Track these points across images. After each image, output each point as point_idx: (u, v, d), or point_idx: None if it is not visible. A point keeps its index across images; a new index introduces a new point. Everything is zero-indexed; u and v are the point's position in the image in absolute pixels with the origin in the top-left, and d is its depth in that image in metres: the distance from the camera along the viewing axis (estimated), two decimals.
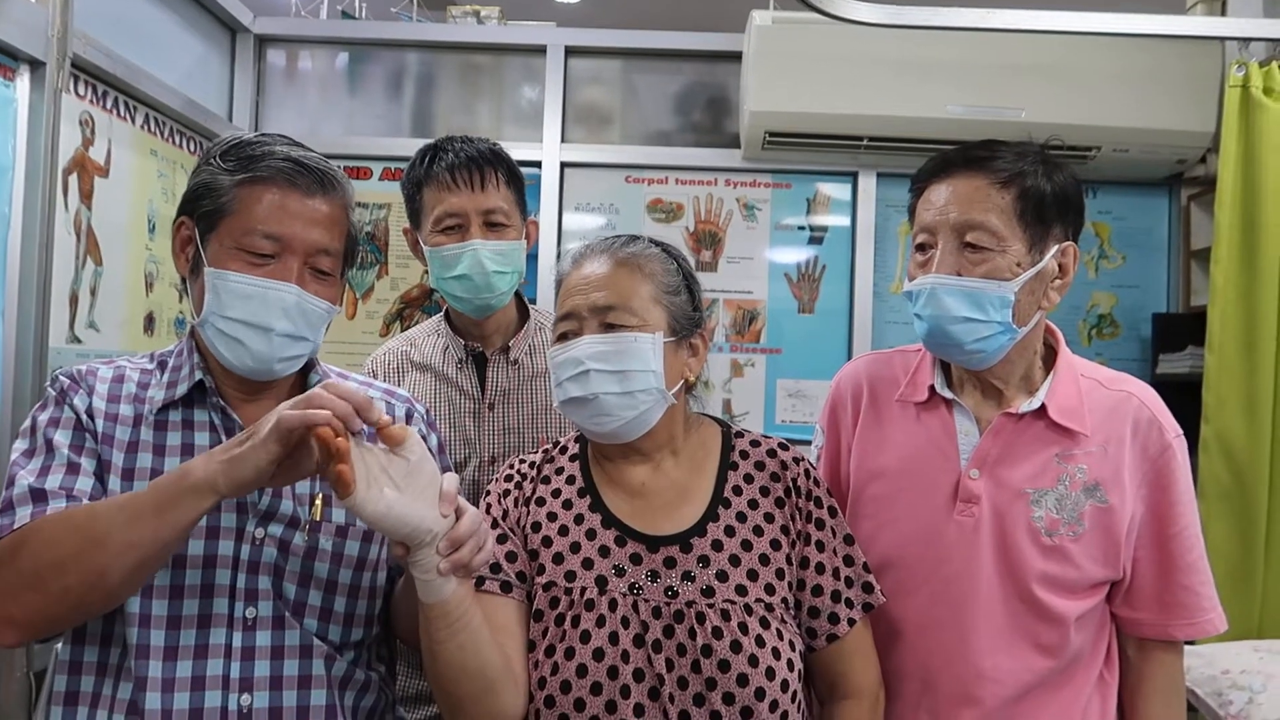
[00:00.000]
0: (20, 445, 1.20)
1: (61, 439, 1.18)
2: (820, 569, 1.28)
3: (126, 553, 1.05)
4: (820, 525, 1.30)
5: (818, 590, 1.28)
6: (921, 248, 1.36)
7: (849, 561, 1.31)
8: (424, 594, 1.10)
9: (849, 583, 1.29)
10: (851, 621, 1.28)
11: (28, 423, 1.22)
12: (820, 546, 1.29)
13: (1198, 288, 2.87)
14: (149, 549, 1.06)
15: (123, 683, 1.16)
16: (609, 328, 1.26)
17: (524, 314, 1.86)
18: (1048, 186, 1.33)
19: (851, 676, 1.30)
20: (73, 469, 1.17)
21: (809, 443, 1.57)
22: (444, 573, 1.07)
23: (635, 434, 1.28)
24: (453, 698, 1.16)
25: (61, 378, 1.24)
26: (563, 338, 1.29)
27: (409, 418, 1.38)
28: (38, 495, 1.13)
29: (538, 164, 2.99)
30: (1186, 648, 1.81)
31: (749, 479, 1.31)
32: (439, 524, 1.06)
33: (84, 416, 1.20)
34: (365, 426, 1.06)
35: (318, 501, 1.24)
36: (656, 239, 1.36)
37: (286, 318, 1.21)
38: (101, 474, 1.18)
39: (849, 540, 1.32)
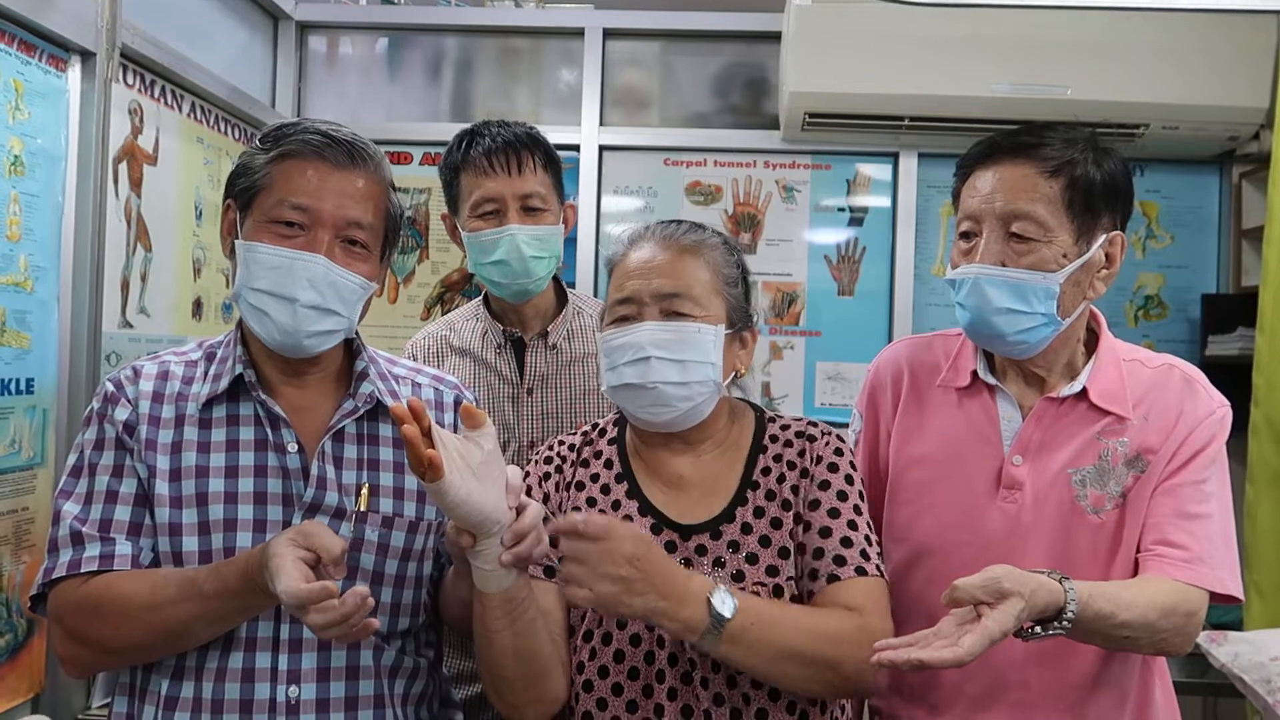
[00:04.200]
0: (70, 461, 1.25)
1: (103, 461, 1.22)
2: (834, 513, 1.24)
3: (190, 637, 1.16)
4: (825, 487, 1.26)
5: (826, 532, 1.23)
6: (966, 235, 1.34)
7: (858, 525, 1.25)
8: (484, 584, 1.11)
9: (859, 541, 1.24)
10: (859, 571, 1.21)
11: (78, 438, 1.27)
12: (834, 514, 1.25)
13: (1249, 267, 2.80)
14: (207, 634, 1.17)
15: (171, 678, 1.18)
16: (672, 315, 1.26)
17: (562, 299, 1.86)
18: (1097, 175, 1.30)
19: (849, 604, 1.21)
20: (111, 497, 1.21)
21: (846, 426, 1.57)
22: (506, 565, 1.08)
23: (687, 425, 1.29)
24: (504, 682, 1.18)
25: (108, 384, 1.26)
26: (620, 321, 1.28)
27: (457, 404, 1.39)
28: (76, 538, 1.19)
29: (576, 147, 2.99)
30: (1232, 634, 1.80)
31: (777, 459, 1.30)
32: (506, 515, 1.07)
33: (123, 435, 1.22)
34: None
35: (364, 492, 1.25)
36: (717, 229, 1.35)
37: (313, 289, 1.21)
38: (144, 486, 1.21)
39: (865, 514, 1.27)
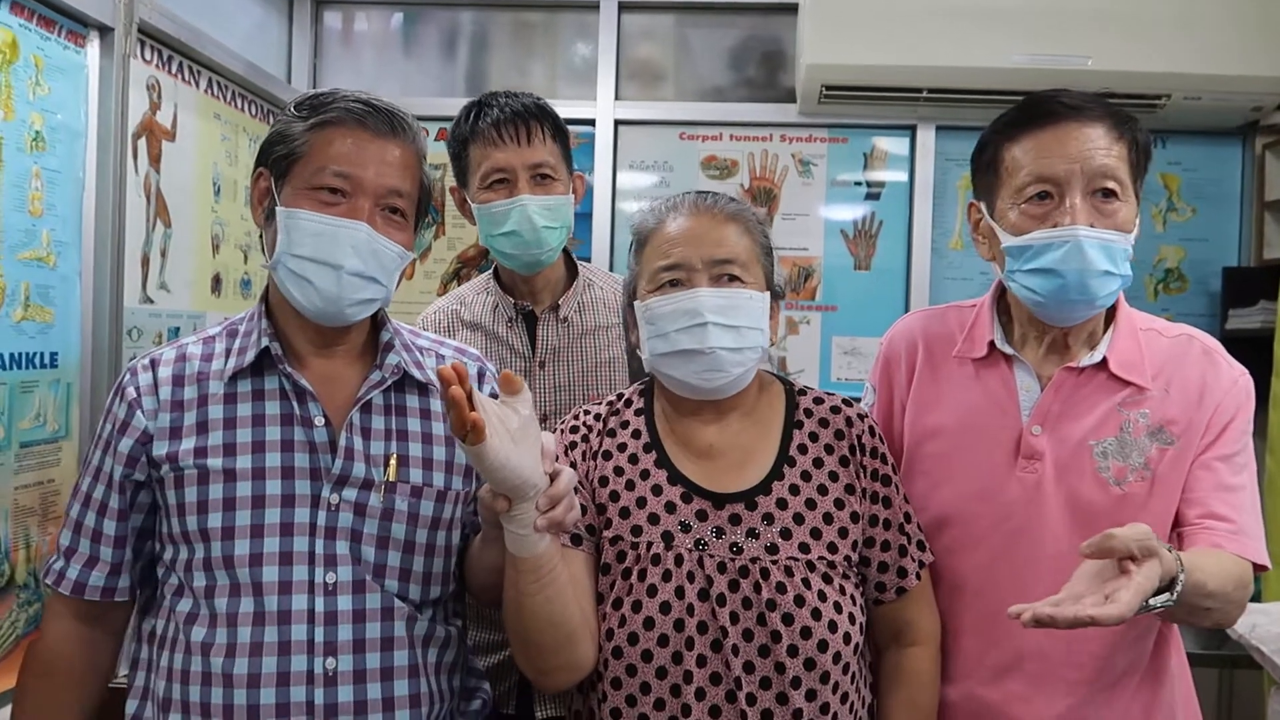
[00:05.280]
0: (89, 455, 1.30)
1: (96, 464, 1.27)
2: (887, 525, 1.30)
3: None
4: (886, 482, 1.32)
5: (886, 545, 1.30)
6: (1043, 196, 1.29)
7: (908, 517, 1.33)
8: (518, 548, 1.11)
9: (911, 537, 1.32)
10: (918, 575, 1.31)
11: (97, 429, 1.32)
12: (887, 503, 1.31)
13: (1271, 240, 2.78)
14: None
15: (209, 656, 1.19)
16: (726, 280, 1.26)
17: (573, 271, 1.86)
18: (1143, 138, 1.32)
19: (918, 624, 1.33)
20: (102, 509, 1.26)
21: (859, 399, 1.57)
22: (540, 529, 1.09)
23: (733, 391, 1.30)
24: (533, 646, 1.19)
25: (125, 375, 1.29)
26: (667, 287, 1.28)
27: (481, 376, 1.40)
28: (60, 549, 1.28)
29: (591, 122, 2.98)
30: (1251, 604, 1.79)
31: (814, 437, 1.32)
32: (542, 480, 1.08)
33: (125, 439, 1.25)
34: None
35: (392, 462, 1.25)
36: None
37: (357, 255, 1.21)
38: (133, 491, 1.26)
39: (906, 498, 1.34)
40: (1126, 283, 1.31)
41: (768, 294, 1.30)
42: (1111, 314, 1.38)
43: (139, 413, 1.24)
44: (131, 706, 1.26)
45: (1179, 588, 1.10)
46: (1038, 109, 1.31)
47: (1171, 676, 1.37)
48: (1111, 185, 1.27)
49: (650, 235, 1.32)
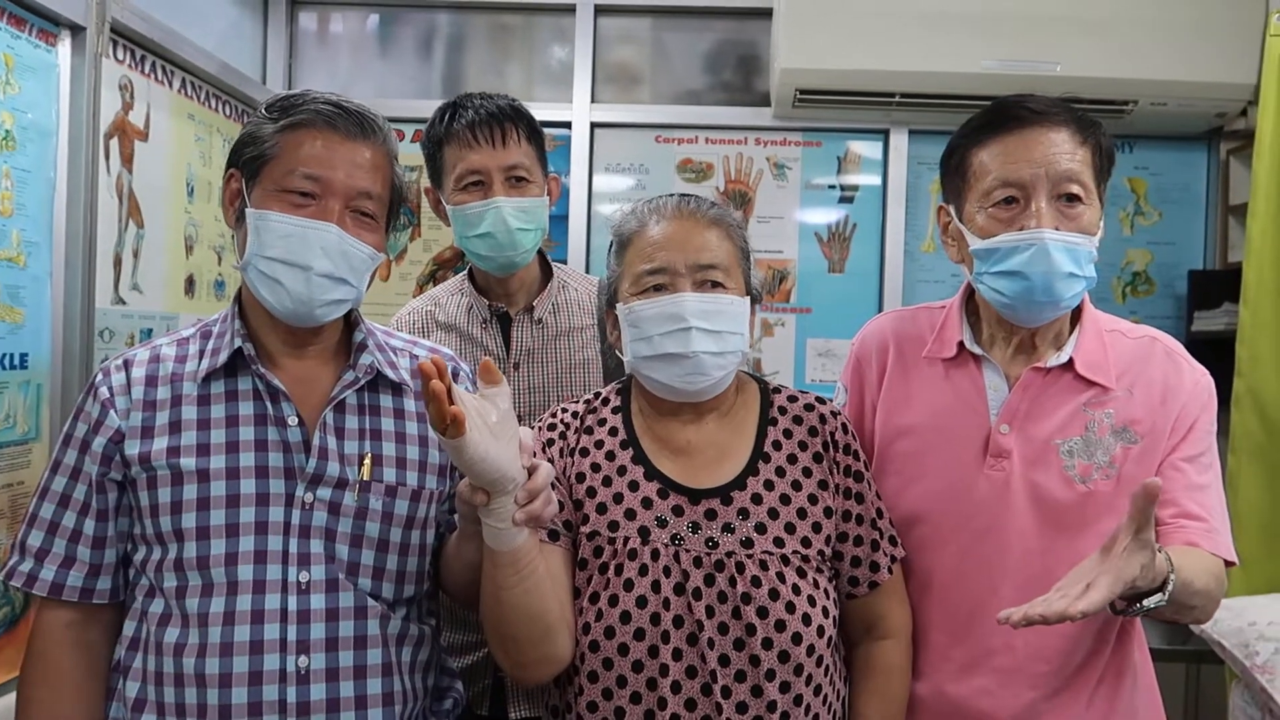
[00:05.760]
0: (57, 455, 1.27)
1: (69, 462, 1.25)
2: (860, 520, 1.32)
3: None
4: (858, 478, 1.34)
5: (859, 540, 1.32)
6: (1009, 201, 1.32)
7: (880, 513, 1.35)
8: (496, 542, 1.12)
9: (883, 532, 1.34)
10: (890, 569, 1.34)
11: (64, 427, 1.29)
12: (859, 499, 1.33)
13: (1235, 244, 2.83)
14: None
15: (181, 657, 1.18)
16: (709, 286, 1.28)
17: (547, 273, 1.86)
18: (1106, 142, 1.34)
19: (890, 618, 1.35)
20: (84, 509, 1.24)
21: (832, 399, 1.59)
22: (519, 523, 1.10)
23: (714, 394, 1.32)
24: (511, 640, 1.20)
25: (98, 374, 1.28)
26: (652, 290, 1.29)
27: (454, 376, 1.40)
28: (25, 550, 1.25)
29: (568, 124, 2.99)
30: None
31: (788, 434, 1.34)
32: (521, 474, 1.09)
33: (98, 438, 1.24)
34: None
35: (366, 461, 1.26)
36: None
37: (326, 257, 1.22)
38: (105, 490, 1.24)
39: (878, 494, 1.36)
40: (1091, 284, 1.33)
41: (748, 298, 1.32)
42: (1077, 315, 1.41)
43: (112, 412, 1.24)
44: (106, 708, 1.25)
45: (1171, 587, 1.12)
46: (1004, 114, 1.34)
47: (1134, 670, 1.39)
48: (1075, 189, 1.30)
49: (633, 238, 1.33)
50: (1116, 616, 1.36)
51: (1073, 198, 1.30)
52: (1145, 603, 1.13)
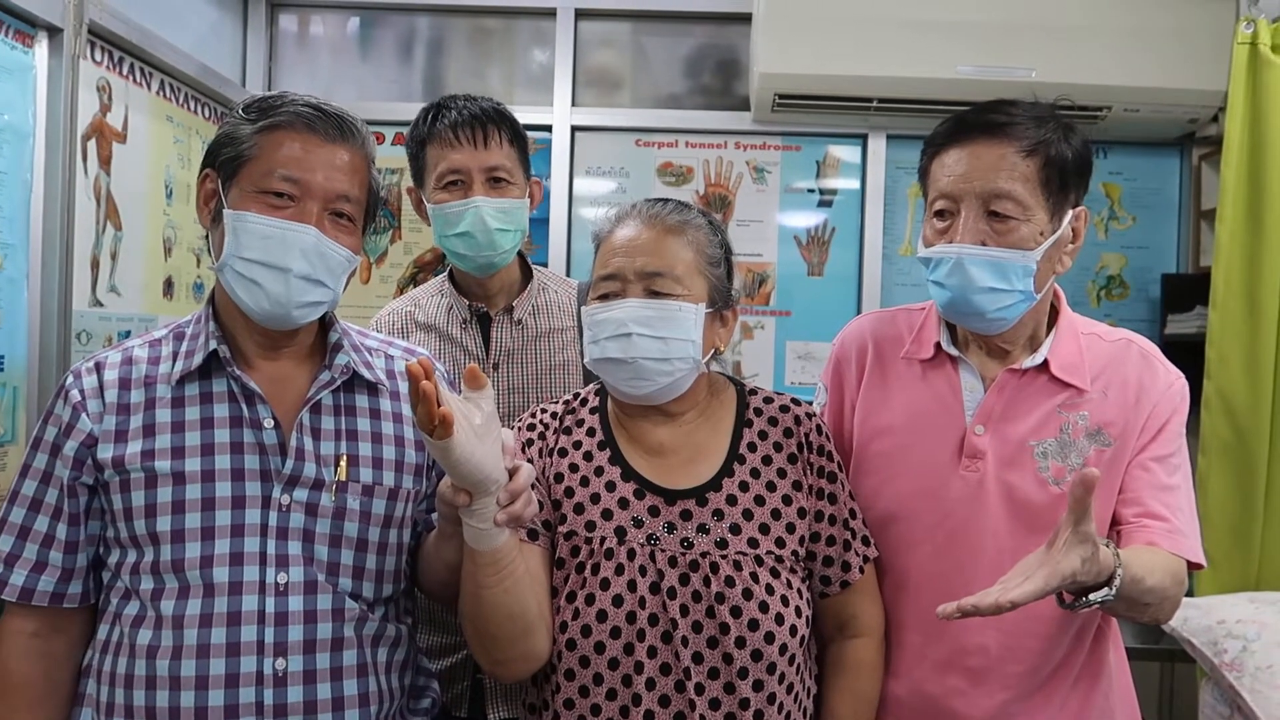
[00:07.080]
0: (27, 459, 1.26)
1: (40, 466, 1.24)
2: (833, 520, 1.34)
3: None
4: (832, 479, 1.35)
5: (831, 540, 1.33)
6: (941, 214, 1.35)
7: (854, 513, 1.36)
8: (478, 542, 1.13)
9: (856, 533, 1.35)
10: (862, 568, 1.35)
11: (35, 431, 1.28)
12: (833, 499, 1.34)
13: (1207, 248, 2.86)
14: None
15: (155, 659, 1.18)
16: (654, 294, 1.29)
17: (527, 274, 1.87)
18: (1069, 153, 1.32)
19: (862, 617, 1.37)
20: (55, 513, 1.23)
21: (811, 401, 1.60)
22: (500, 523, 1.11)
23: (666, 398, 1.32)
24: (490, 638, 1.21)
25: (68, 377, 1.26)
26: (603, 297, 1.31)
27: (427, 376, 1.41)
28: (12, 559, 1.23)
29: (548, 128, 3.00)
30: (1184, 599, 1.85)
31: (763, 435, 1.35)
32: (503, 475, 1.10)
33: (70, 442, 1.23)
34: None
35: (343, 462, 1.26)
36: (703, 209, 1.39)
37: (304, 259, 1.22)
38: (77, 494, 1.23)
39: (852, 494, 1.38)
40: (1027, 298, 1.33)
41: (701, 304, 1.31)
42: (1054, 318, 1.43)
43: (84, 415, 1.23)
44: (75, 714, 1.25)
45: (1117, 582, 1.13)
46: (957, 125, 1.35)
47: (1109, 671, 1.41)
48: (1002, 207, 1.30)
49: (602, 243, 1.35)
50: (1092, 618, 1.38)
51: (1000, 215, 1.30)
52: (1091, 597, 1.14)
